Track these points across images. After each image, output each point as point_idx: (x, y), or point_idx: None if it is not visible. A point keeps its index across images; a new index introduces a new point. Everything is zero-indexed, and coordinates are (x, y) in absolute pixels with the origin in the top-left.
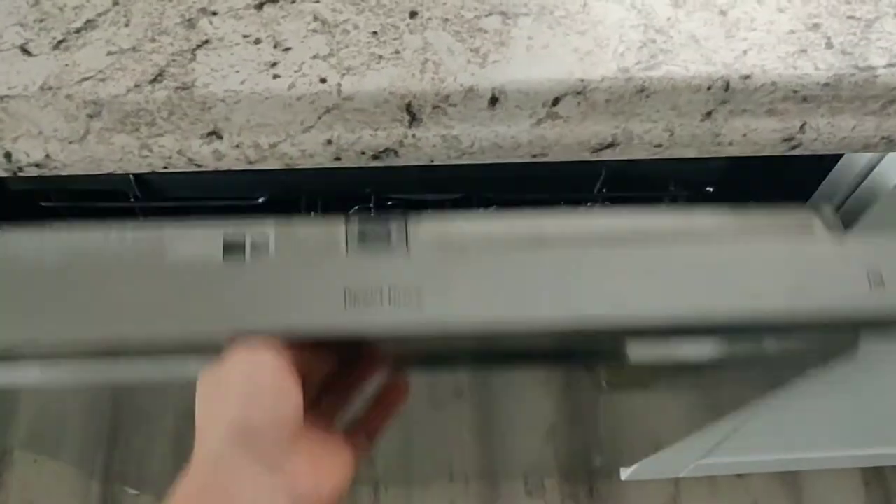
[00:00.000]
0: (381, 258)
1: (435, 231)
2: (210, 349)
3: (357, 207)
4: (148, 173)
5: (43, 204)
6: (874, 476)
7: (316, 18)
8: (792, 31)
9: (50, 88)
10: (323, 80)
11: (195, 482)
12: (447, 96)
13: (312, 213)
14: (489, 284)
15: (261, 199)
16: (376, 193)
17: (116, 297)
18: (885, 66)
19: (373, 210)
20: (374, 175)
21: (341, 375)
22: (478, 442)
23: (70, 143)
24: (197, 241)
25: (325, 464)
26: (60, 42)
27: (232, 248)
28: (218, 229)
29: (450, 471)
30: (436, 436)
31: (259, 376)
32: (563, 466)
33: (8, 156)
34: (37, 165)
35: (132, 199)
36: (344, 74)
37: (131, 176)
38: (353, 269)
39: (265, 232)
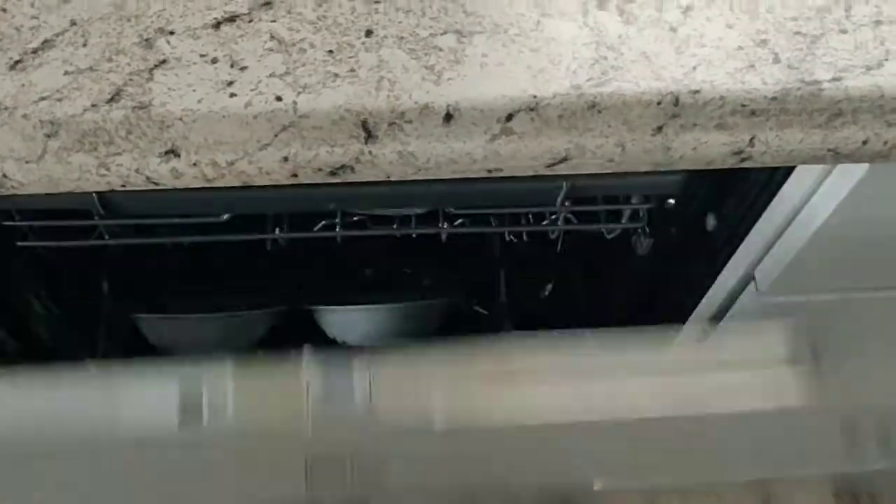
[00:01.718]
0: (345, 427)
1: (398, 381)
2: None
3: (309, 350)
4: (110, 192)
5: (5, 223)
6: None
7: (273, 37)
8: (740, 48)
9: (6, 108)
10: (279, 99)
11: None
12: (402, 113)
13: (277, 242)
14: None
15: (225, 217)
16: (342, 210)
17: (67, 483)
18: (829, 80)
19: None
20: (336, 191)
21: None
22: None
23: (27, 162)
24: (152, 401)
25: None
26: (17, 62)
27: (189, 411)
28: (174, 383)
29: None
30: None
31: None
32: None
33: None
34: None
35: (96, 217)
36: (300, 92)
37: (94, 194)
38: (316, 440)
39: (224, 388)
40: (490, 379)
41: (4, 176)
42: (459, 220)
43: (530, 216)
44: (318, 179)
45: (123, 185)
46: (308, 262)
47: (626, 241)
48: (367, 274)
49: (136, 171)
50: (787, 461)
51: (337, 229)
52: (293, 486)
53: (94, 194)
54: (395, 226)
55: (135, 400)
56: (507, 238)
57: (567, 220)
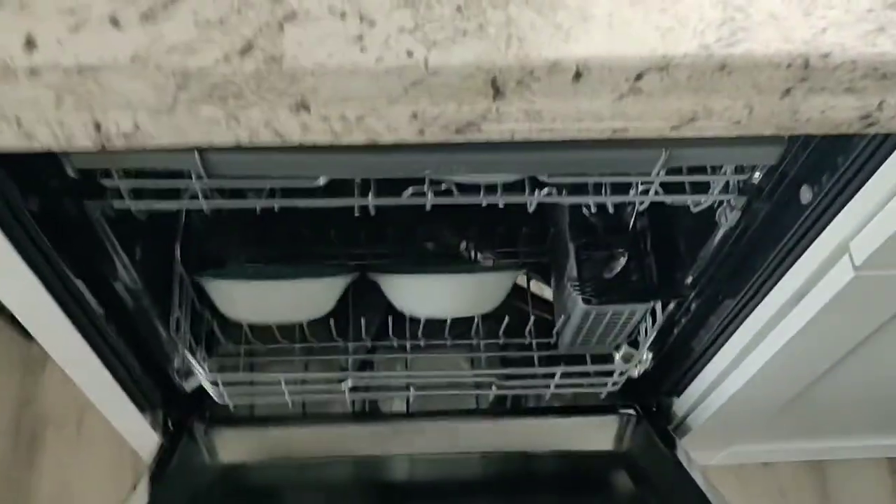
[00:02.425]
0: None
1: None
2: None
3: None
4: (212, 150)
5: (104, 182)
6: None
7: None
8: (870, 10)
9: (139, 59)
10: (409, 54)
11: None
12: (532, 71)
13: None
14: None
15: (321, 182)
16: (431, 178)
17: None
18: None
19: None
20: (430, 157)
21: None
22: None
23: (158, 113)
24: None
25: None
26: (148, 14)
27: None
28: None
29: None
30: None
31: None
32: None
33: (98, 126)
34: (125, 136)
35: (194, 179)
36: (430, 48)
37: (196, 153)
38: None
39: None
40: None
41: (136, 126)
42: (546, 190)
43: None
44: (444, 138)
45: (251, 139)
46: (382, 230)
47: (710, 213)
48: (440, 242)
49: (265, 124)
50: None
51: (428, 195)
52: None
53: (196, 153)
54: (481, 194)
55: None
56: (587, 210)
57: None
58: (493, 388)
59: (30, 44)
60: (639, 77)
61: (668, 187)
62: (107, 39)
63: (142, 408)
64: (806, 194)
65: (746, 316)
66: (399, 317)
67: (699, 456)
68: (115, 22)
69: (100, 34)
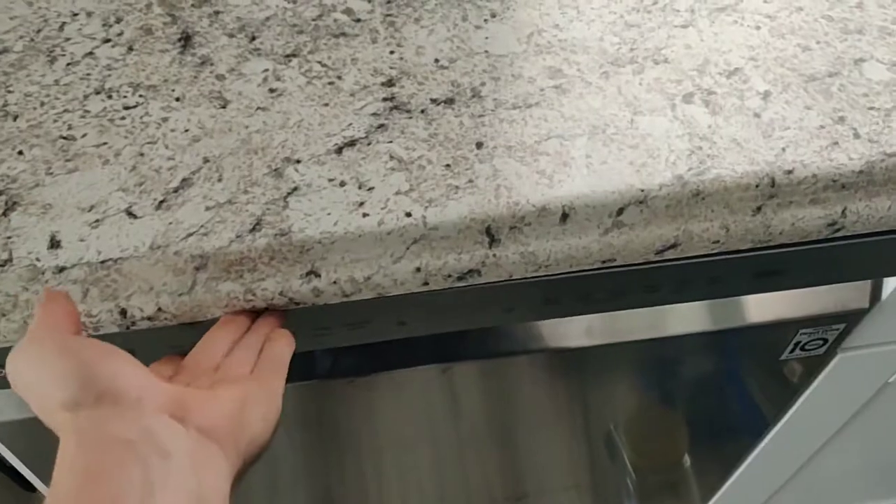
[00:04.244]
0: None
1: None
2: None
3: None
4: None
5: None
6: None
7: (392, 157)
8: (822, 126)
9: (159, 247)
10: (408, 214)
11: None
12: (523, 217)
13: None
14: None
15: None
16: None
17: None
18: None
19: None
20: None
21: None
22: None
23: (180, 295)
24: None
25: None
26: (162, 202)
27: None
28: None
29: None
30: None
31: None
32: None
33: (123, 313)
34: (149, 319)
35: None
36: (427, 206)
37: None
38: None
39: None
40: None
41: (159, 309)
42: None
43: None
44: (448, 285)
45: (267, 308)
46: None
47: None
48: None
49: (280, 293)
50: None
51: None
52: None
53: None
54: None
55: None
56: None
57: None
58: None
59: (54, 244)
60: (620, 212)
61: None
62: (125, 231)
63: None
64: None
65: None
66: None
67: None
68: (131, 213)
69: (118, 226)
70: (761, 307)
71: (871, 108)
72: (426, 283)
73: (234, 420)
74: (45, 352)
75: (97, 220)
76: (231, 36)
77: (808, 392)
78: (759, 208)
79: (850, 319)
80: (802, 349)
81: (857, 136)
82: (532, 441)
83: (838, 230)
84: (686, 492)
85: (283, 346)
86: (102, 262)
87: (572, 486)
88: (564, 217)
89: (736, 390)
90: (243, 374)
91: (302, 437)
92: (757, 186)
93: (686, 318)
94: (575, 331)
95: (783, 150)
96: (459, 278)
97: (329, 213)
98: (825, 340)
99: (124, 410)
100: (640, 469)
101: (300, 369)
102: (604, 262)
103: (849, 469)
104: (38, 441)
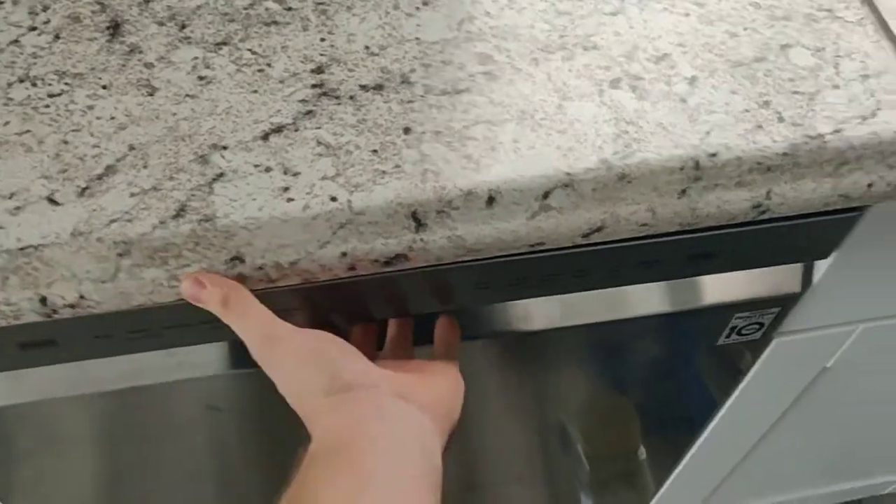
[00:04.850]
0: None
1: None
2: None
3: None
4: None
5: None
6: None
7: (319, 143)
8: (747, 110)
9: (81, 234)
10: (333, 199)
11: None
12: (449, 201)
13: None
14: None
15: None
16: None
17: None
18: (831, 133)
19: None
20: None
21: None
22: None
23: (102, 282)
24: None
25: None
26: (85, 189)
27: None
28: None
29: None
30: None
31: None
32: None
33: (43, 300)
34: (71, 307)
35: None
36: (353, 191)
37: None
38: None
39: None
40: None
41: (81, 297)
42: None
43: None
44: (374, 270)
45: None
46: None
47: None
48: None
49: None
50: None
51: None
52: None
53: None
54: None
55: None
56: None
57: None
58: None
59: None
60: (546, 195)
61: None
62: (47, 218)
63: None
64: None
65: None
66: None
67: None
68: (52, 200)
69: (39, 213)
70: (697, 292)
71: (796, 93)
72: (353, 269)
73: (440, 400)
74: (298, 349)
75: (17, 208)
76: (161, 24)
77: (748, 377)
78: (684, 191)
79: (784, 303)
80: (739, 333)
81: (781, 119)
82: (481, 431)
83: (764, 212)
84: (639, 481)
85: (455, 337)
86: (22, 248)
87: (523, 476)
88: (491, 200)
89: (681, 376)
90: (436, 365)
91: (241, 427)
92: (682, 169)
93: (626, 302)
94: (514, 316)
95: (708, 133)
96: (386, 263)
97: (254, 199)
98: (761, 325)
99: (368, 392)
100: (593, 459)
101: (236, 360)
102: (532, 245)
103: (795, 455)
104: None
